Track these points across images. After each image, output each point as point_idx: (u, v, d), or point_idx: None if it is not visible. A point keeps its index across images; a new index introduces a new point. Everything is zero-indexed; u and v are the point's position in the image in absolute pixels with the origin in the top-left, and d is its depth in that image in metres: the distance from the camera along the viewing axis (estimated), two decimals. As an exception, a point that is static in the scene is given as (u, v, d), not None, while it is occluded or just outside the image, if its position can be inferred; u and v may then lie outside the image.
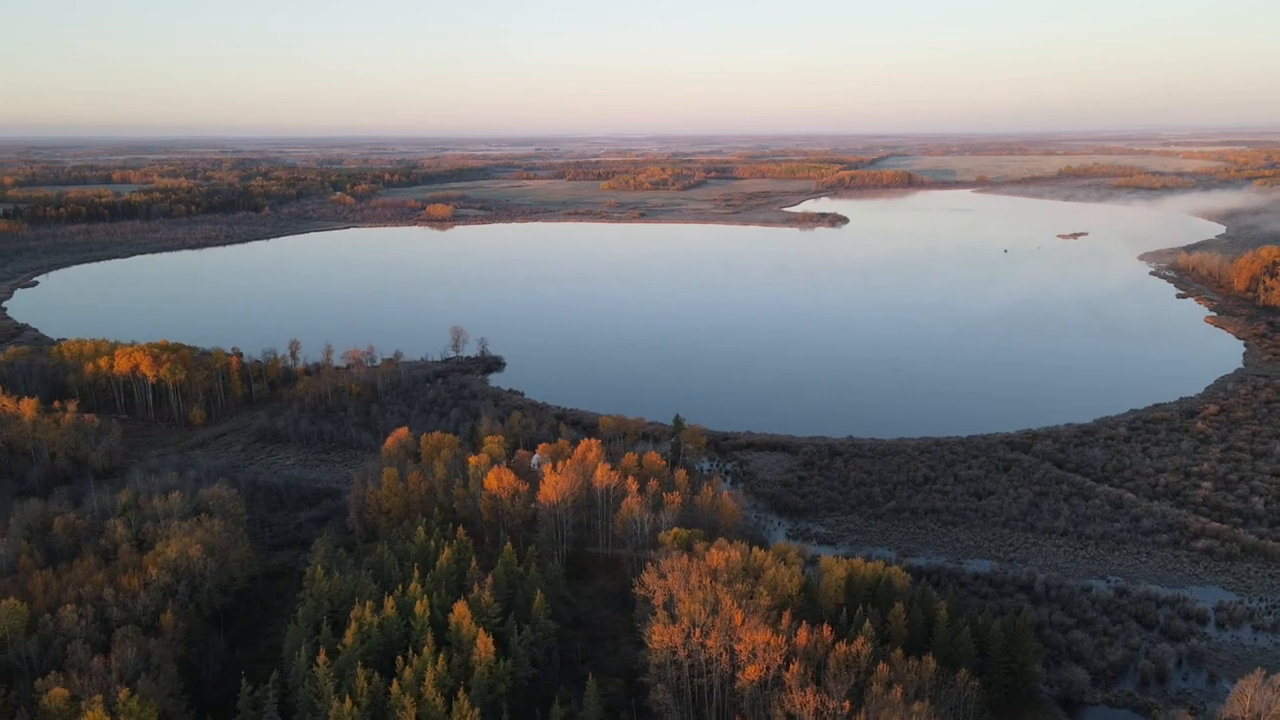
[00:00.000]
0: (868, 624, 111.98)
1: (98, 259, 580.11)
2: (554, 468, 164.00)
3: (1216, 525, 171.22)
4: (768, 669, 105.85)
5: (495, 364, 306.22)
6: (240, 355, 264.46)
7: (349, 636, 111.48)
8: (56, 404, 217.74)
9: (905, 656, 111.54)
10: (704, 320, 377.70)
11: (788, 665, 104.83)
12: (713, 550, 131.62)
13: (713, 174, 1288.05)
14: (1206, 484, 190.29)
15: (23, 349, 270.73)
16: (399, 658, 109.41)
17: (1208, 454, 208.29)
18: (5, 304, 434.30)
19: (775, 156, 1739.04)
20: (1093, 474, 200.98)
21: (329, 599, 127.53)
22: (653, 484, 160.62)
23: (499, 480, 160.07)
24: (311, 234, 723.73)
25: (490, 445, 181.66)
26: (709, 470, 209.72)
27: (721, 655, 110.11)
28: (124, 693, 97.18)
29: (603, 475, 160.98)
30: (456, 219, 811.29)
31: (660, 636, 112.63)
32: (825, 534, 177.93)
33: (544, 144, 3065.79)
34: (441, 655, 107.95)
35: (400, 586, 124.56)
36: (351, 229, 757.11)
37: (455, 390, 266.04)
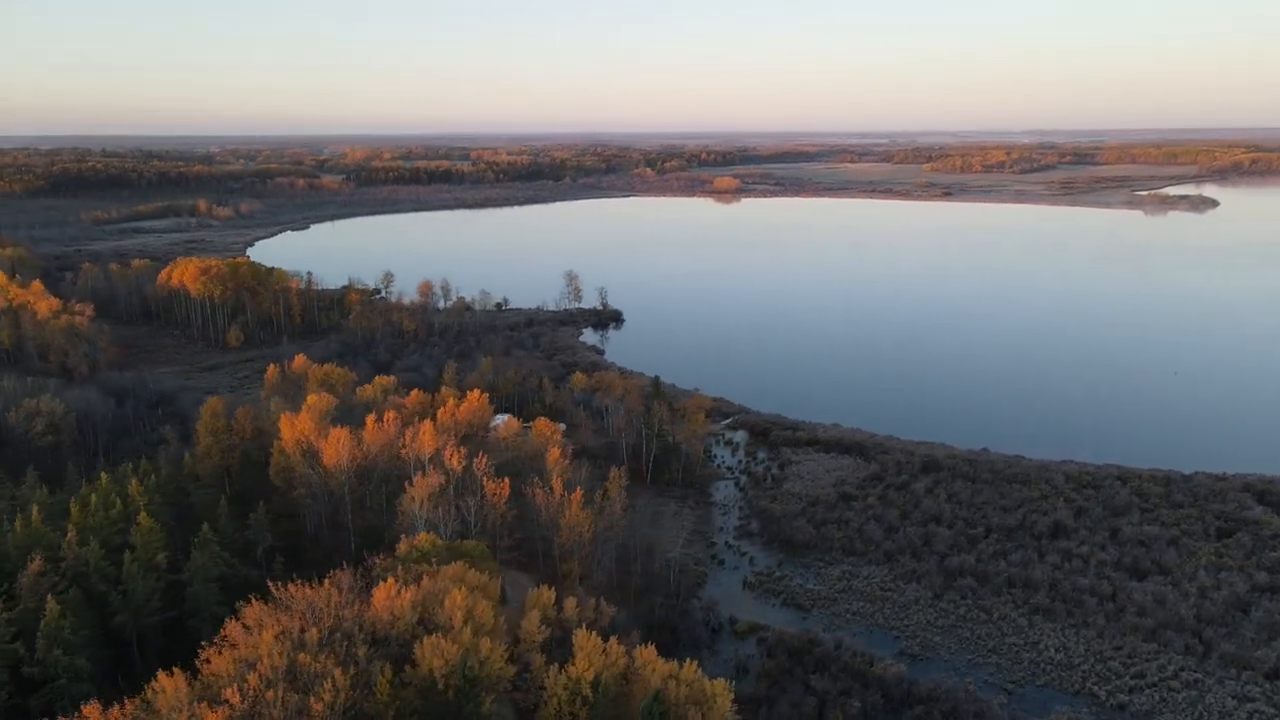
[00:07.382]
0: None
1: (381, 213, 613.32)
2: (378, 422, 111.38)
3: None
4: None
5: (612, 318, 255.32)
6: (307, 280, 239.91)
7: None
8: (78, 306, 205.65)
9: None
10: (911, 308, 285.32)
11: None
12: (390, 581, 72.51)
13: (1068, 159, 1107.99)
14: None
15: (145, 262, 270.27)
16: None
17: None
18: (263, 241, 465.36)
19: (1167, 143, 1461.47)
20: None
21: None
22: (481, 460, 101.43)
23: (291, 429, 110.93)
24: (589, 200, 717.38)
25: (375, 385, 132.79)
26: (721, 465, 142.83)
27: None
28: None
29: (420, 440, 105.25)
30: (741, 192, 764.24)
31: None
32: (811, 592, 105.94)
33: (903, 136, 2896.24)
34: None
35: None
36: (631, 198, 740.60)
37: (517, 340, 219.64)
